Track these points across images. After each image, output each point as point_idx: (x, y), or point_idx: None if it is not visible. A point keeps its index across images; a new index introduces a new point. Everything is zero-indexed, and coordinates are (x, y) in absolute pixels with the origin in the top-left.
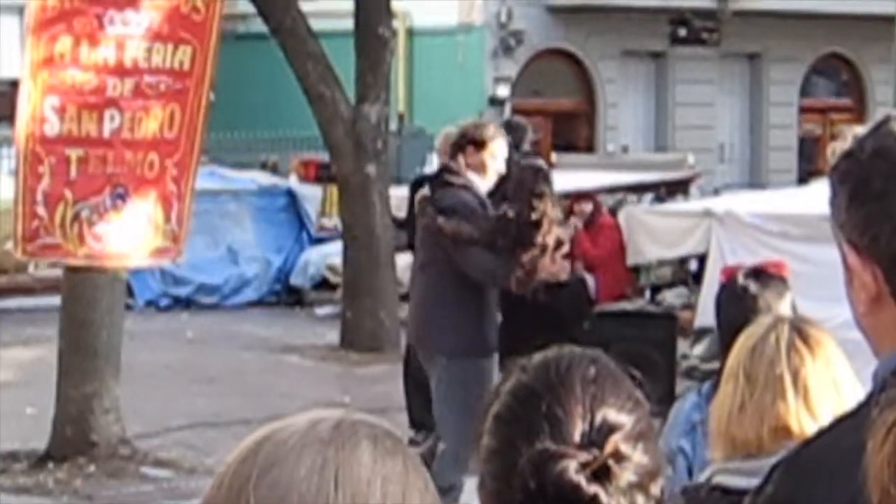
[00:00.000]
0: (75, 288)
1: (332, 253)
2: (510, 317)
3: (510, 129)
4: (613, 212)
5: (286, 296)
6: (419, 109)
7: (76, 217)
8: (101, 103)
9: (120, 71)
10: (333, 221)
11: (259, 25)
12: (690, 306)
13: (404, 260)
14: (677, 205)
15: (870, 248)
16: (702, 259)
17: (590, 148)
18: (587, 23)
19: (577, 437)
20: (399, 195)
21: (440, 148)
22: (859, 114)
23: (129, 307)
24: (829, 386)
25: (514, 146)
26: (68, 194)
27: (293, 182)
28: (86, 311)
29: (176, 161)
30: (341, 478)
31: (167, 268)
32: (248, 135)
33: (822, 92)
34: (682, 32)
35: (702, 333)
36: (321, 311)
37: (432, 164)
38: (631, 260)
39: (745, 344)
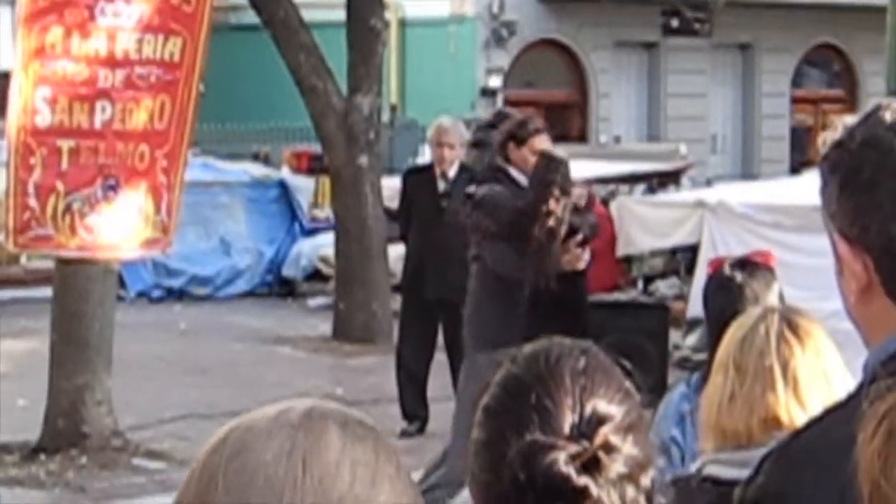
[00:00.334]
0: (67, 280)
1: (325, 244)
2: (530, 307)
3: (500, 120)
4: (605, 202)
5: (278, 287)
6: (411, 101)
7: (68, 208)
8: (93, 94)
9: (111, 62)
10: (326, 213)
11: (251, 17)
12: (683, 297)
13: (396, 251)
14: (669, 195)
15: (860, 238)
16: (694, 249)
17: (582, 138)
18: (579, 13)
19: (566, 429)
20: (391, 186)
21: (432, 139)
22: (851, 104)
23: (121, 298)
24: (819, 377)
25: None
26: (60, 186)
27: (285, 173)
28: (78, 302)
29: (166, 152)
30: (309, 461)
31: (159, 259)
32: (240, 126)
33: (814, 82)
34: (675, 23)
35: (694, 324)
36: (313, 302)
37: (424, 156)
38: (623, 250)
39: (735, 335)
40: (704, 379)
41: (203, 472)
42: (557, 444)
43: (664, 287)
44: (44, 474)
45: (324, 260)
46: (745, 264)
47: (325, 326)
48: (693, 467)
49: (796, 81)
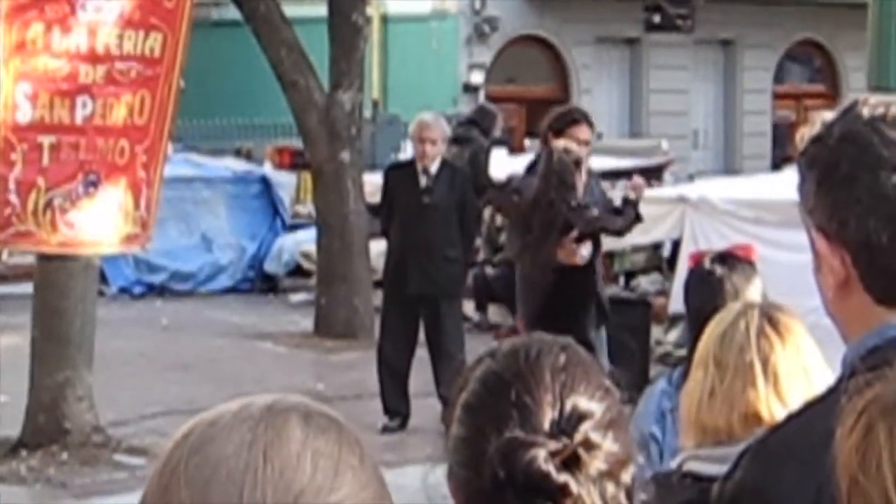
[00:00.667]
0: (48, 275)
1: (306, 240)
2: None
3: (481, 115)
4: None
5: (260, 283)
6: (393, 96)
7: (49, 204)
8: (74, 90)
9: (92, 57)
10: (307, 208)
11: (233, 12)
12: (664, 292)
13: (378, 247)
14: (651, 191)
15: (838, 234)
16: (676, 245)
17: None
18: (561, 9)
19: (546, 426)
20: (373, 182)
21: (413, 135)
22: (833, 100)
23: (102, 294)
24: (800, 372)
25: (484, 132)
26: (41, 182)
27: (267, 169)
28: (59, 298)
29: (146, 147)
30: (270, 452)
31: (141, 255)
32: (222, 122)
33: (795, 78)
34: (657, 19)
35: (676, 319)
36: (295, 297)
37: (406, 151)
38: (604, 246)
39: (715, 331)
40: (685, 375)
41: (165, 466)
42: (537, 441)
43: (646, 283)
44: (25, 470)
45: (306, 256)
46: (726, 258)
47: (306, 322)
48: (673, 463)
49: (778, 77)
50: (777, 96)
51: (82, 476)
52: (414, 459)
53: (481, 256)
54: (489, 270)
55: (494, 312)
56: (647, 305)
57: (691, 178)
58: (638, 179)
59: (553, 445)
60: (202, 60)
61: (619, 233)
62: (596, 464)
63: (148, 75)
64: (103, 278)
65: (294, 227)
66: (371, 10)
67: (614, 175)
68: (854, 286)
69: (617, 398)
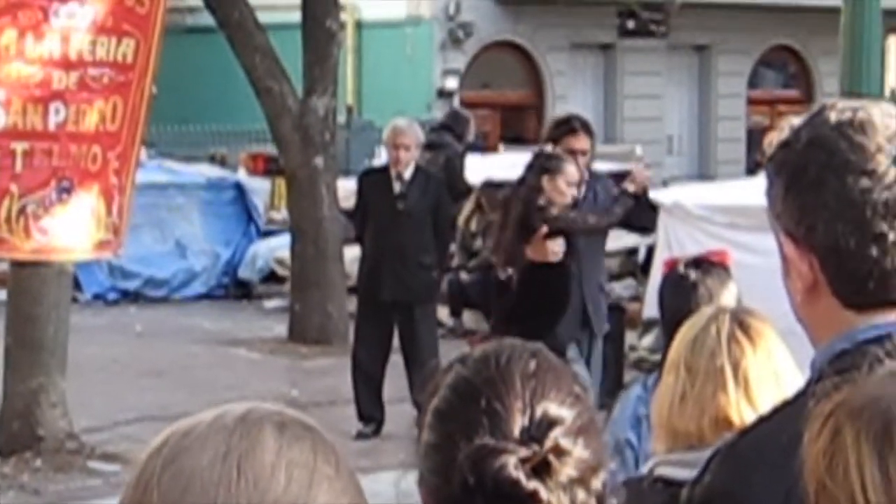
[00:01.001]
0: (21, 282)
1: (281, 246)
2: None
3: (454, 120)
4: None
5: (234, 289)
6: (368, 102)
7: (22, 211)
8: (47, 96)
9: (65, 64)
10: (282, 214)
11: (207, 18)
12: (638, 298)
13: (352, 252)
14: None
15: (806, 238)
16: (650, 250)
17: (538, 140)
18: (536, 15)
19: (516, 433)
20: (347, 187)
21: (387, 140)
22: (807, 105)
23: (76, 301)
24: (770, 377)
25: (458, 137)
26: (14, 188)
27: (241, 175)
28: (32, 305)
29: (118, 153)
30: (244, 464)
31: (115, 261)
32: (196, 128)
33: (770, 84)
34: (631, 24)
35: (650, 325)
36: (269, 304)
37: (381, 157)
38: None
39: (686, 335)
40: (660, 381)
41: (140, 478)
42: (507, 447)
43: (620, 288)
44: None
45: (280, 262)
46: (700, 263)
47: (280, 328)
48: (645, 468)
49: (752, 83)
50: (751, 102)
51: (56, 483)
52: (388, 465)
53: (456, 262)
54: (464, 276)
55: (469, 318)
56: (622, 311)
57: (665, 183)
58: (638, 171)
59: (523, 452)
60: (176, 67)
61: (630, 226)
62: (566, 470)
63: (120, 81)
64: (77, 285)
65: (268, 234)
66: (345, 16)
67: None
68: (822, 291)
69: (588, 404)
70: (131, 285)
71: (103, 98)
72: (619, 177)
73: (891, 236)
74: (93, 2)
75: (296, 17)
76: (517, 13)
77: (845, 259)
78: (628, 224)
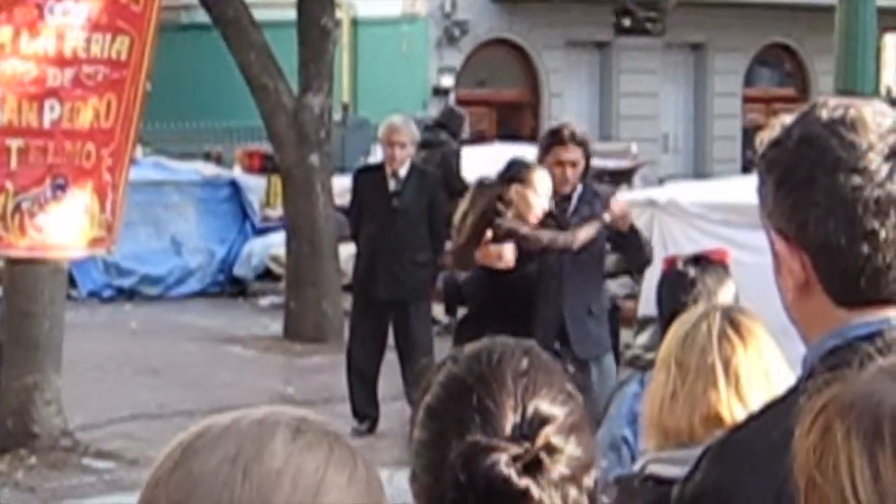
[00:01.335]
0: (16, 280)
1: (276, 244)
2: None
3: (448, 117)
4: None
5: (229, 286)
6: (363, 100)
7: (17, 208)
8: (42, 94)
9: (60, 61)
10: (277, 212)
11: (202, 15)
12: (634, 296)
13: (347, 250)
14: (620, 194)
15: (798, 236)
16: None
17: (534, 138)
18: (531, 13)
19: (508, 430)
20: (342, 184)
21: (383, 138)
22: (803, 103)
23: (71, 298)
24: (761, 374)
25: (453, 134)
26: (9, 186)
27: (237, 173)
28: (27, 302)
29: (111, 151)
30: (251, 468)
31: (110, 259)
32: (191, 125)
33: (765, 82)
34: (627, 22)
35: (645, 323)
36: (264, 301)
37: (376, 155)
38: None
39: (677, 333)
40: None
41: (152, 478)
42: (499, 445)
43: (615, 286)
44: None
45: (275, 259)
46: (699, 260)
47: (276, 326)
48: (636, 466)
49: (748, 81)
50: (747, 100)
51: (51, 480)
52: (383, 463)
53: (451, 260)
54: (459, 274)
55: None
56: (616, 308)
57: (661, 181)
58: (615, 203)
59: (515, 450)
60: (172, 64)
61: (628, 271)
62: (558, 468)
63: (114, 78)
64: (72, 282)
65: (263, 231)
66: (341, 14)
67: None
68: (813, 288)
69: (580, 402)
70: (126, 283)
71: (97, 95)
72: (615, 175)
73: (882, 234)
74: None
75: (291, 14)
76: (513, 11)
77: (837, 256)
78: (626, 270)
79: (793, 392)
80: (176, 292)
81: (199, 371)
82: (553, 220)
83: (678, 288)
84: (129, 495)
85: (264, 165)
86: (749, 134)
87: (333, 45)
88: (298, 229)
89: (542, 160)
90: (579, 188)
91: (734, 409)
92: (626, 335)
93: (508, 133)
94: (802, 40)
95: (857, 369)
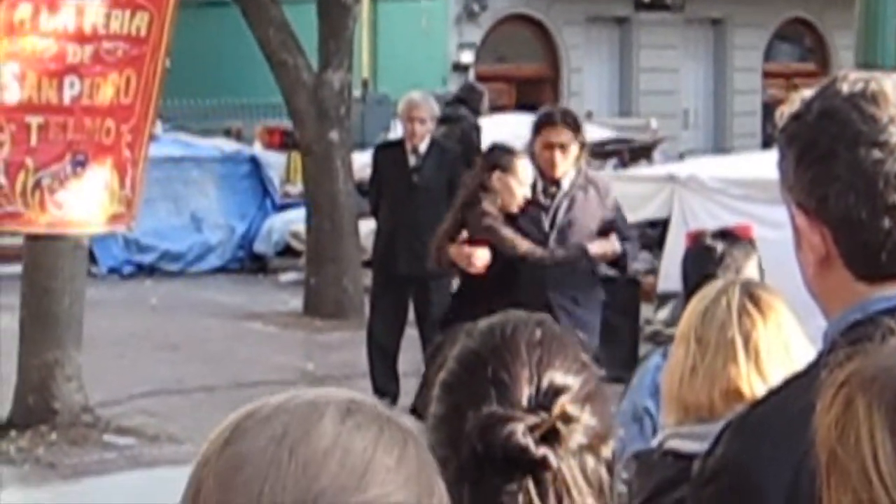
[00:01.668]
0: (37, 256)
1: (296, 220)
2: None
3: (468, 93)
4: None
5: (249, 263)
6: (383, 76)
7: (37, 185)
8: (61, 70)
9: (79, 37)
10: (297, 188)
11: None
12: (654, 271)
13: (367, 226)
14: (640, 170)
15: (818, 210)
16: (664, 224)
17: None
18: None
19: (524, 401)
20: (362, 160)
21: (402, 114)
22: (823, 78)
23: (92, 274)
24: (781, 349)
25: (473, 110)
26: (29, 162)
27: (257, 149)
28: (48, 279)
29: (131, 127)
30: (297, 447)
31: (130, 235)
32: (212, 102)
33: (785, 57)
34: None
35: (665, 298)
36: (284, 277)
37: (396, 131)
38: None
39: (697, 307)
40: None
41: (203, 456)
42: (515, 415)
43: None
44: (14, 451)
45: (295, 235)
46: (726, 234)
47: (296, 302)
48: (655, 441)
49: (768, 56)
50: (767, 75)
51: (71, 456)
52: None
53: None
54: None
55: None
56: (637, 284)
57: (681, 156)
58: (594, 249)
59: (531, 420)
60: (192, 40)
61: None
62: (575, 437)
63: (134, 55)
64: (93, 258)
65: (283, 207)
66: None
67: (604, 154)
68: (834, 262)
69: (594, 372)
70: (147, 259)
71: (117, 71)
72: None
73: None
74: None
75: None
76: None
77: (857, 231)
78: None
79: (813, 367)
80: (196, 268)
81: (219, 347)
82: (537, 207)
83: (707, 262)
84: (149, 471)
85: (284, 142)
86: (769, 109)
87: (353, 20)
88: (318, 205)
89: (532, 141)
90: (571, 173)
91: (754, 384)
92: (646, 310)
93: (528, 109)
94: (822, 15)
95: (879, 343)
